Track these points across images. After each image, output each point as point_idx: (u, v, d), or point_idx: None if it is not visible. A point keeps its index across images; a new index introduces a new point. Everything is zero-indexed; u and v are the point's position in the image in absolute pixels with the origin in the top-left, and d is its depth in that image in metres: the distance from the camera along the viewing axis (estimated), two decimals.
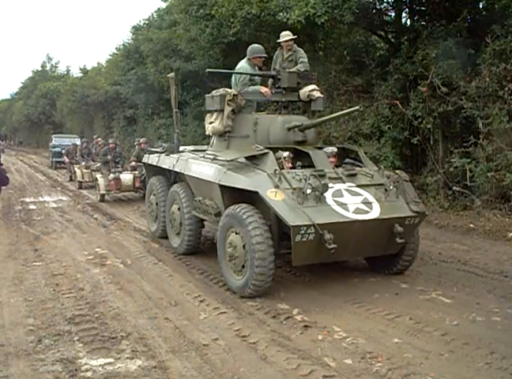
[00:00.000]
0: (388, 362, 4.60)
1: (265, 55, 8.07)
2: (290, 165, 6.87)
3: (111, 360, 4.68)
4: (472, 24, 12.02)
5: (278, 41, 8.18)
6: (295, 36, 8.16)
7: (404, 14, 13.90)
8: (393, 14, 14.05)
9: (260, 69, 8.37)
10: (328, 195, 6.22)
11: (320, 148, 7.47)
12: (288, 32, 8.13)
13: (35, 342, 5.05)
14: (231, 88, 7.95)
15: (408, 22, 13.92)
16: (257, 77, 8.03)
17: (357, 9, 11.78)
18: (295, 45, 8.11)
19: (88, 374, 4.42)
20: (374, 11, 13.32)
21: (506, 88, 10.00)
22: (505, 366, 4.51)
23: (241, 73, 7.83)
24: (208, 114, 8.10)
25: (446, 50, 11.14)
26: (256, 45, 8.16)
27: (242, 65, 7.95)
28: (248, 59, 7.94)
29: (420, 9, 13.42)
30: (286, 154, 6.86)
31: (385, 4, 13.75)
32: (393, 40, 13.94)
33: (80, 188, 17.83)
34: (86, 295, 6.46)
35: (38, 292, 6.58)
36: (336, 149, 7.30)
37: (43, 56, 78.15)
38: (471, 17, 12.31)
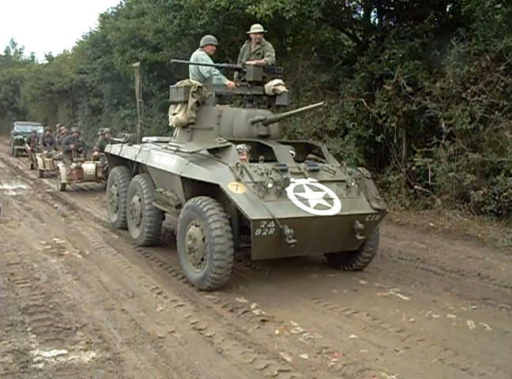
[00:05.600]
0: (344, 358, 4.63)
1: (216, 44, 8.12)
2: (244, 157, 6.79)
3: (64, 351, 4.59)
4: (438, 26, 12.17)
5: (248, 32, 8.18)
6: (266, 30, 8.15)
7: (372, 13, 14.06)
8: (362, 13, 14.20)
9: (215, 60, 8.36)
10: (289, 190, 6.21)
11: (284, 143, 7.46)
12: (258, 25, 8.16)
13: None
14: None
15: (377, 21, 14.07)
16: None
17: (326, 6, 11.85)
18: (263, 39, 8.10)
19: (40, 366, 4.33)
20: (342, 8, 13.42)
21: (469, 90, 10.15)
22: (457, 362, 4.58)
23: (207, 65, 7.78)
24: (172, 106, 7.97)
25: (412, 50, 11.29)
26: (208, 35, 8.24)
27: (198, 54, 7.94)
28: (201, 48, 7.93)
29: (389, 8, 13.57)
30: (242, 146, 6.84)
31: (354, 2, 13.86)
32: (360, 38, 14.06)
33: (41, 176, 17.48)
34: (42, 285, 6.33)
35: None
36: (293, 152, 7.24)
37: (6, 41, 76.54)
38: (437, 19, 12.49)
